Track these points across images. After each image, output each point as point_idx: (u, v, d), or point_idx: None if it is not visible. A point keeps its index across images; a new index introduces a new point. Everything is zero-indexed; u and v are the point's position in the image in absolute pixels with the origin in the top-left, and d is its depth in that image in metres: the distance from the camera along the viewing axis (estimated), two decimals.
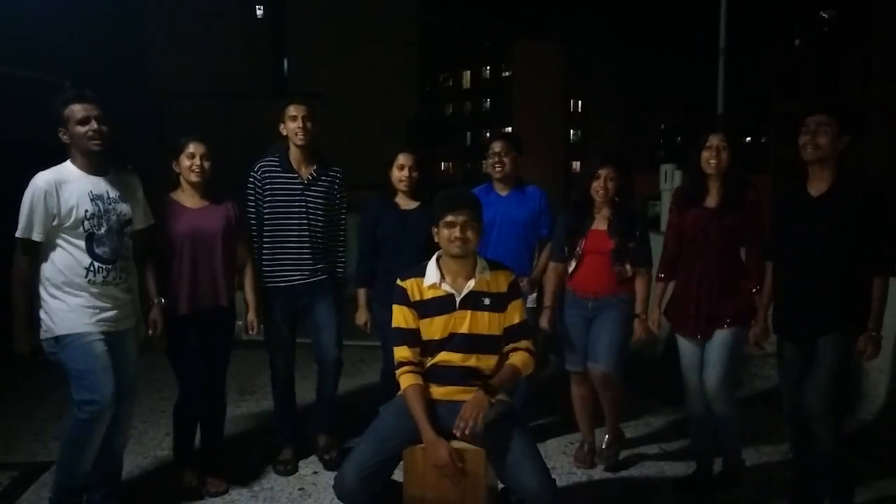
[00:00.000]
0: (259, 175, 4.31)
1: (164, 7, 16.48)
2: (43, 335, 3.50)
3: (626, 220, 4.25)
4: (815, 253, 3.55)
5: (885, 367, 4.95)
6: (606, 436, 4.53)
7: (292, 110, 4.25)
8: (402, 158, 4.40)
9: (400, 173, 4.40)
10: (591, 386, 4.41)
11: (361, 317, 4.55)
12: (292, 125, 4.24)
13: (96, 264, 3.50)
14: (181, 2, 16.34)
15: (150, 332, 3.83)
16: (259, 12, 21.60)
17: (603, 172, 4.20)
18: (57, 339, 3.47)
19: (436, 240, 3.31)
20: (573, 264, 4.32)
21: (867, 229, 3.45)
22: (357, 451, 3.15)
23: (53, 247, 3.47)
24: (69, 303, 3.46)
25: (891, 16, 40.95)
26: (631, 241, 4.23)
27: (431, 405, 3.21)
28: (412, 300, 3.29)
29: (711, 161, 3.88)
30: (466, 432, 3.02)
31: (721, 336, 3.94)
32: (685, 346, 4.10)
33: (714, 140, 3.89)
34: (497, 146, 4.69)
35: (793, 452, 3.99)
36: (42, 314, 3.49)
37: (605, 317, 4.27)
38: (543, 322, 4.43)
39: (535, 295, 4.65)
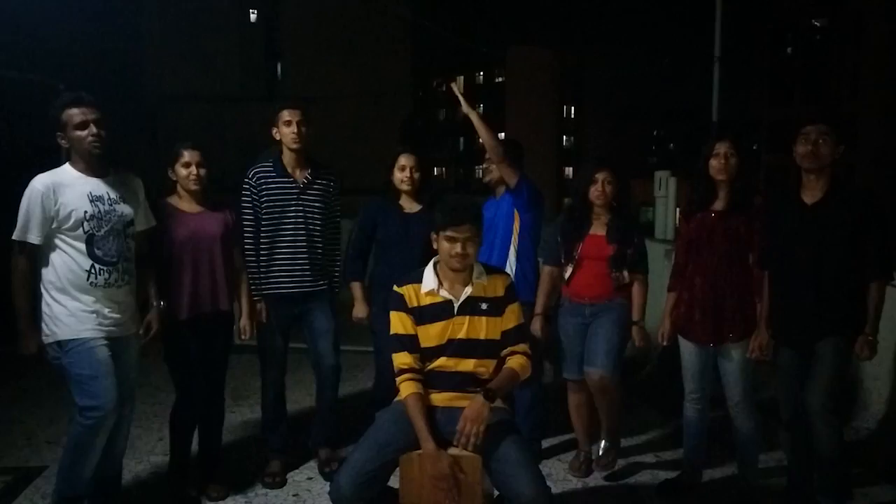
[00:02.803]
0: (254, 181, 4.27)
1: (158, 11, 16.46)
2: (45, 339, 3.47)
3: (624, 225, 4.26)
4: (812, 260, 3.58)
5: (881, 375, 4.96)
6: (603, 442, 4.50)
7: (286, 115, 4.23)
8: (403, 159, 4.42)
9: (401, 174, 4.41)
10: (589, 393, 4.40)
11: (361, 310, 4.53)
12: (286, 129, 4.22)
13: (97, 266, 3.47)
14: (175, 6, 16.32)
15: (142, 331, 3.77)
16: (253, 17, 21.61)
17: (600, 176, 4.21)
18: (59, 343, 3.44)
19: (434, 247, 3.30)
20: (569, 269, 4.32)
21: (862, 236, 3.49)
22: (353, 457, 3.13)
23: (54, 249, 3.44)
24: (70, 307, 3.43)
25: (881, 24, 41.21)
26: (629, 247, 4.23)
27: (430, 412, 3.20)
28: (410, 306, 3.28)
29: (721, 169, 3.90)
30: (469, 448, 3.04)
31: (735, 354, 3.94)
32: (688, 350, 4.10)
33: (721, 148, 3.91)
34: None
35: (788, 459, 3.99)
36: (45, 318, 3.47)
37: (601, 321, 4.26)
38: (535, 328, 4.39)
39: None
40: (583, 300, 4.30)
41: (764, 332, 3.86)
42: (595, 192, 4.21)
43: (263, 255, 4.28)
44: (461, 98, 4.24)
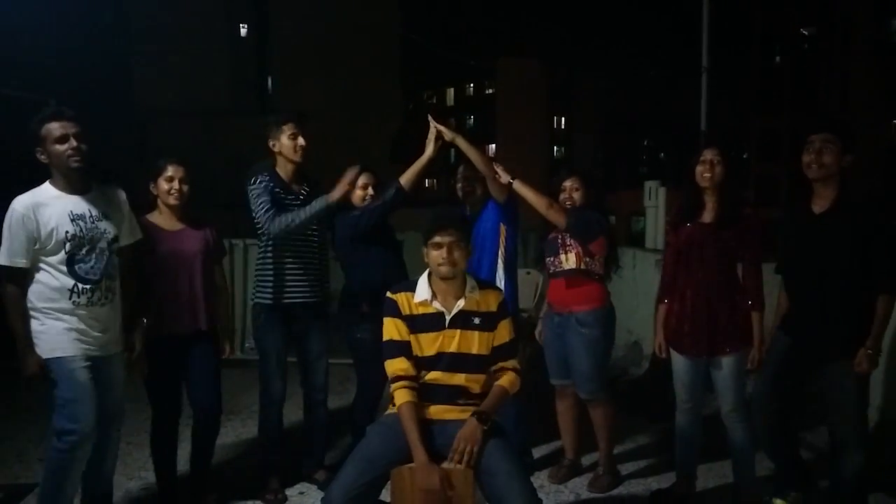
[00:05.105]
0: (267, 181, 4.15)
1: (148, 26, 16.47)
2: None
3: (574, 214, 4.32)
4: (819, 269, 3.56)
5: (873, 383, 4.92)
6: (600, 467, 4.54)
7: (293, 127, 4.17)
8: (364, 178, 4.34)
9: (364, 192, 4.34)
10: (575, 400, 4.51)
11: None
12: (291, 142, 4.16)
13: (80, 286, 3.41)
14: (165, 20, 16.35)
15: (127, 353, 3.72)
16: (243, 31, 21.65)
17: (567, 184, 4.39)
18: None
19: (425, 260, 3.31)
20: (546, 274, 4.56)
21: (869, 246, 3.44)
22: (344, 471, 3.12)
23: (36, 270, 3.38)
24: (49, 325, 3.38)
25: (869, 33, 41.46)
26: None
27: (424, 425, 3.18)
28: (403, 314, 3.28)
29: (706, 175, 3.92)
30: (462, 466, 3.04)
31: (727, 364, 3.94)
32: (679, 362, 4.10)
33: (708, 154, 3.94)
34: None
35: (767, 450, 3.97)
36: None
37: (571, 342, 4.34)
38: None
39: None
40: (552, 308, 4.47)
41: (761, 346, 3.86)
42: (563, 199, 4.38)
43: (268, 267, 4.23)
44: (442, 129, 4.26)
